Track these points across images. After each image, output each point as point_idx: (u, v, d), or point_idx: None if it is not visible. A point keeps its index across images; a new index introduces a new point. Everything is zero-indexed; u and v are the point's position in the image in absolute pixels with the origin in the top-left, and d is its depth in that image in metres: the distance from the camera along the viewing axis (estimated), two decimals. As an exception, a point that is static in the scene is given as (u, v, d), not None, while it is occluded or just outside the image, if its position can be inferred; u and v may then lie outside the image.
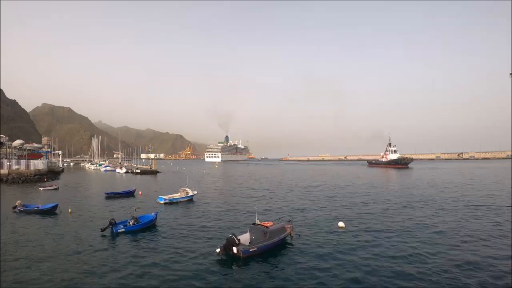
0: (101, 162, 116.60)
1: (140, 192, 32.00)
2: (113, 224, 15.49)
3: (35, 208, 21.34)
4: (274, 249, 12.43)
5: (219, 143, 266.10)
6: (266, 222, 13.51)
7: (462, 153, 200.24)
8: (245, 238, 12.82)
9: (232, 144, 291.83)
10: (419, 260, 11.28)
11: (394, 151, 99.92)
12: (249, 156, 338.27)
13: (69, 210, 20.88)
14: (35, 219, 19.03)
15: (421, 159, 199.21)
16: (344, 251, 12.44)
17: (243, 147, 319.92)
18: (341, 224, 16.69)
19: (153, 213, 17.97)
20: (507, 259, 11.36)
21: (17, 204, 21.80)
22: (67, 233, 15.40)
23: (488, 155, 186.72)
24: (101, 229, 15.27)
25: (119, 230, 15.32)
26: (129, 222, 16.26)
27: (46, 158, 76.24)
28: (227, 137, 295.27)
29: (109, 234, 15.05)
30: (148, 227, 16.58)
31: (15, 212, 21.18)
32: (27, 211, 21.12)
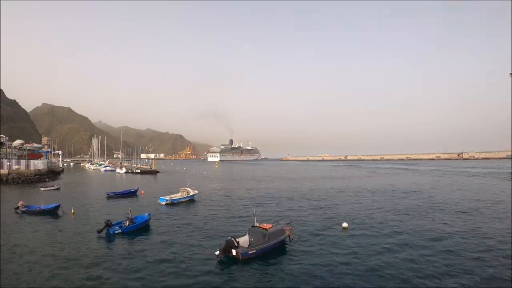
0: (101, 162, 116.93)
1: (142, 192, 32.11)
2: (109, 225, 15.57)
3: (37, 209, 21.47)
4: (273, 251, 12.53)
5: (221, 145, 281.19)
6: (265, 224, 13.67)
7: (462, 153, 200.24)
8: (244, 240, 12.96)
9: (236, 146, 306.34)
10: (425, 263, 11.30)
11: None
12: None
13: (72, 210, 21.05)
14: (37, 220, 19.17)
15: (421, 159, 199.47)
16: (346, 252, 12.51)
17: (250, 148, 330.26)
18: (344, 224, 16.81)
19: (146, 214, 18.11)
20: None
21: (19, 204, 21.93)
22: (68, 235, 15.51)
23: (489, 155, 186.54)
24: (97, 230, 15.28)
25: (116, 232, 15.43)
26: (124, 223, 16.34)
27: (46, 158, 76.38)
28: (231, 140, 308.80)
29: (106, 236, 15.09)
30: (143, 227, 16.71)
31: (17, 212, 21.35)
32: (30, 212, 21.29)
